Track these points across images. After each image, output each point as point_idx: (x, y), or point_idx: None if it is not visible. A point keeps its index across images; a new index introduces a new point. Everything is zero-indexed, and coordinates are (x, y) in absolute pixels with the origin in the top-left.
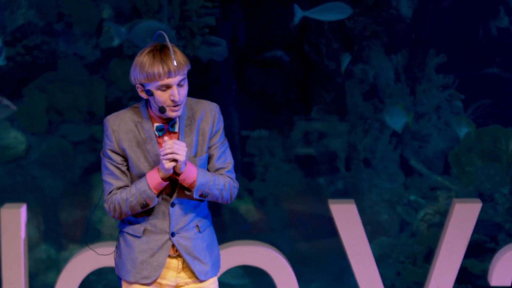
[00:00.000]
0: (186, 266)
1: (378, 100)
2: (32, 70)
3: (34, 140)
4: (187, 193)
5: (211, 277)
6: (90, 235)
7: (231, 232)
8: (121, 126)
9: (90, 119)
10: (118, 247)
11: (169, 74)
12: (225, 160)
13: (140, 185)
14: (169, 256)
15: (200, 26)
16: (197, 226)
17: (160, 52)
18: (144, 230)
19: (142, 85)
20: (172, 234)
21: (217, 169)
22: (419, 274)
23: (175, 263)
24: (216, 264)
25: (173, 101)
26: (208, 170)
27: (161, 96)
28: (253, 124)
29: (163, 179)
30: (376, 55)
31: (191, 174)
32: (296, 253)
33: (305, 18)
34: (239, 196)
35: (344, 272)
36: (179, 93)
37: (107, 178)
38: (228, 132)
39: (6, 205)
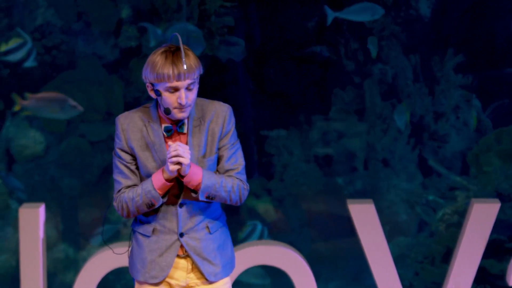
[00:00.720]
0: (196, 267)
1: (396, 100)
2: (51, 69)
3: (53, 139)
4: (194, 195)
5: (222, 278)
6: (108, 234)
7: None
8: (131, 126)
9: (108, 118)
10: (131, 246)
11: (178, 77)
12: (235, 161)
13: (146, 185)
14: (178, 256)
15: (219, 26)
16: (207, 227)
17: (173, 54)
18: (154, 230)
19: (152, 84)
20: (181, 235)
21: (227, 171)
22: (437, 274)
23: (184, 263)
24: (228, 265)
25: (180, 104)
26: (217, 171)
27: (169, 98)
28: (272, 124)
29: (168, 180)
30: (394, 55)
31: (195, 176)
32: (314, 252)
33: (322, 17)
34: (257, 196)
35: (362, 272)
36: (187, 96)
37: (117, 176)
38: (246, 132)
39: (25, 204)
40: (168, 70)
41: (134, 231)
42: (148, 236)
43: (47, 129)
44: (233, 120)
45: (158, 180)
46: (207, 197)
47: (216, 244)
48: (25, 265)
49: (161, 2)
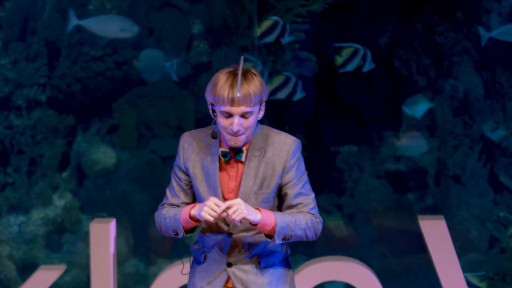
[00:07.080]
0: None
1: (468, 116)
2: (122, 85)
3: (124, 154)
4: (269, 240)
5: None
6: (179, 250)
7: (320, 248)
8: (192, 146)
9: (179, 134)
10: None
11: (232, 102)
12: (304, 195)
13: (178, 212)
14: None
15: (290, 42)
16: (258, 261)
17: (235, 77)
18: (205, 257)
19: (212, 104)
20: (229, 265)
21: (296, 206)
22: None
23: None
24: None
25: (231, 130)
26: (286, 205)
27: (222, 121)
28: (343, 140)
29: (192, 219)
30: (466, 70)
31: (269, 221)
32: (385, 268)
33: (393, 33)
34: (328, 212)
35: None
36: (240, 124)
37: (167, 189)
38: (318, 147)
39: (96, 219)
40: (224, 93)
41: (192, 255)
42: (201, 263)
43: (118, 145)
44: (298, 153)
45: (185, 213)
46: (284, 239)
47: (267, 279)
48: (96, 280)
49: (232, 17)
